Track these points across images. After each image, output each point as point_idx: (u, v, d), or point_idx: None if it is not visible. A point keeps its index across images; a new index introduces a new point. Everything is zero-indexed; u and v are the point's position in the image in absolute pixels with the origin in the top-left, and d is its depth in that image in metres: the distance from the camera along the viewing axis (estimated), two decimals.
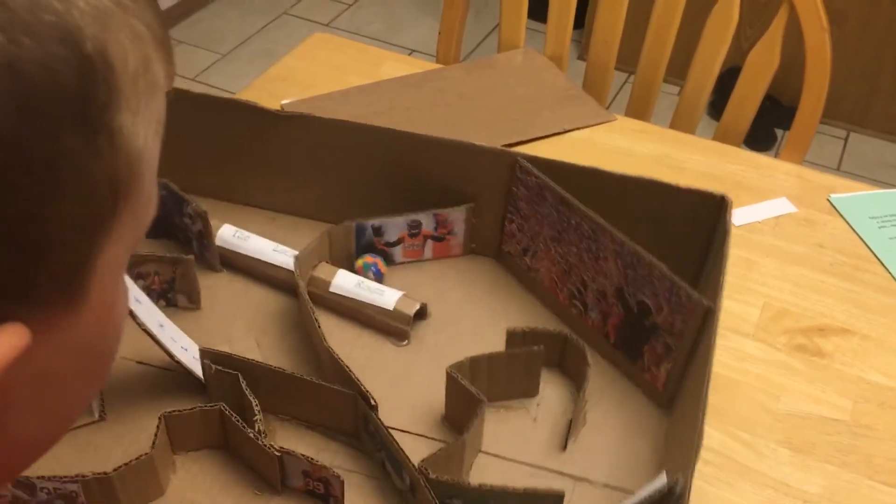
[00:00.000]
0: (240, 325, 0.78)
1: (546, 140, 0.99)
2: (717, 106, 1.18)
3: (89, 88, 0.26)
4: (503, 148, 0.78)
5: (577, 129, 1.01)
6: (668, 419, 0.71)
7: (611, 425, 0.71)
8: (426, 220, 0.82)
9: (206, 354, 0.68)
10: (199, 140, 0.84)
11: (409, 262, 0.84)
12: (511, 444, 0.69)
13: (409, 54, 1.10)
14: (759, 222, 0.89)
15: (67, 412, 0.34)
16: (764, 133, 2.05)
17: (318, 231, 0.81)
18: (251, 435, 0.63)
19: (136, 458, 0.61)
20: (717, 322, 0.63)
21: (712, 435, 0.69)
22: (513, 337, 0.71)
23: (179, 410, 0.65)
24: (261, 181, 0.86)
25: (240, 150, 0.84)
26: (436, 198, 0.82)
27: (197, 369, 0.70)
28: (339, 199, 0.84)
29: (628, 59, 1.26)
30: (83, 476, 0.59)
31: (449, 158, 0.79)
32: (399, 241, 0.83)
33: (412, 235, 0.82)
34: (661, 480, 0.52)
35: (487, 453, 0.68)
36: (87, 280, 0.28)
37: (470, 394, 0.65)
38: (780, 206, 0.90)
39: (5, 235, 0.25)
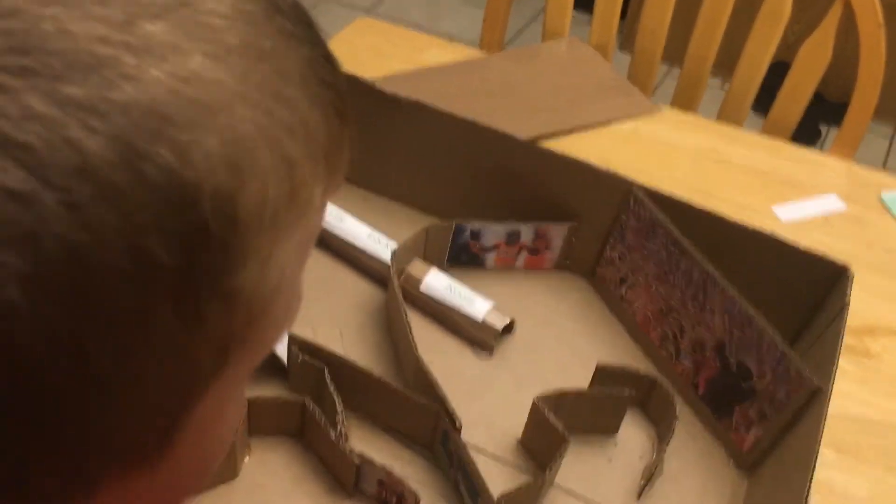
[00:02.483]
0: (324, 310, 0.77)
1: (590, 131, 0.97)
2: (762, 101, 1.15)
3: (195, 260, 0.21)
4: (619, 174, 0.75)
5: (622, 119, 0.98)
6: (749, 482, 0.69)
7: (688, 479, 0.69)
8: (525, 232, 0.80)
9: (293, 341, 0.67)
10: None
11: (499, 270, 0.82)
12: (585, 481, 0.68)
13: (450, 42, 1.08)
14: (808, 219, 0.86)
15: None
16: (808, 129, 1.99)
17: (409, 217, 0.79)
18: (332, 437, 0.62)
19: None
20: (827, 404, 0.60)
21: None
22: (602, 373, 0.70)
23: (262, 397, 0.64)
24: (359, 158, 0.85)
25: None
26: (536, 208, 0.79)
27: (282, 353, 0.69)
28: (435, 190, 0.83)
29: (674, 52, 1.23)
30: None
31: (559, 172, 0.77)
32: (494, 248, 0.81)
33: (509, 244, 0.81)
34: None
35: (560, 487, 0.67)
36: (169, 442, 0.24)
37: (554, 429, 0.64)
38: (830, 203, 0.88)
39: (75, 432, 0.21)
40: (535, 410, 0.66)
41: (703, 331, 0.70)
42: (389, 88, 0.80)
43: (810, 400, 0.62)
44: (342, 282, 0.79)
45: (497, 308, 0.76)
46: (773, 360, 0.64)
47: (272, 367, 0.70)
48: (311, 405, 0.64)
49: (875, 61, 1.03)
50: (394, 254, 0.75)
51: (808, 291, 0.72)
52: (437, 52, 1.08)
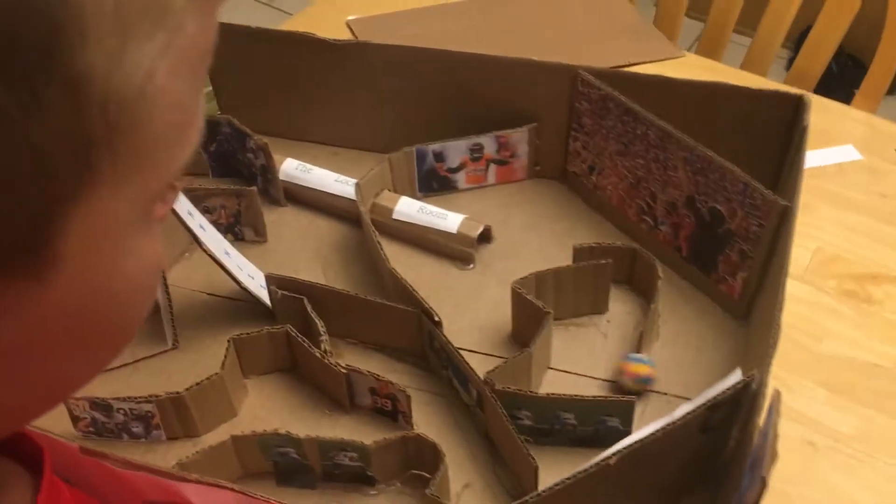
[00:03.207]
0: (305, 256, 0.78)
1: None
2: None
3: (17, 31, 0.20)
4: (564, 63, 0.75)
5: (644, 62, 0.97)
6: (745, 330, 0.68)
7: (685, 339, 0.68)
8: (488, 143, 0.80)
9: (271, 280, 0.68)
10: (256, 76, 0.84)
11: (472, 189, 0.83)
12: (581, 359, 0.67)
13: None
14: (822, 167, 0.85)
15: (64, 380, 0.30)
16: (841, 93, 1.95)
17: (376, 160, 0.80)
18: (318, 354, 0.63)
19: (207, 378, 0.62)
20: (794, 222, 0.59)
21: None
22: (580, 253, 0.69)
23: (247, 333, 0.65)
24: (320, 114, 0.86)
25: (296, 83, 0.84)
26: (498, 120, 0.80)
27: (264, 296, 0.70)
28: (399, 128, 0.83)
29: (701, 8, 1.20)
30: (157, 396, 0.61)
31: (509, 77, 0.77)
32: (461, 167, 0.81)
33: (474, 160, 0.81)
34: (736, 376, 0.49)
35: (557, 369, 0.67)
36: (48, 246, 0.24)
37: (535, 307, 0.64)
38: (846, 152, 0.87)
39: None
40: (515, 295, 0.66)
41: (672, 190, 0.70)
42: (362, 33, 0.81)
43: (781, 222, 0.61)
44: (318, 228, 0.81)
45: (470, 219, 0.76)
46: (739, 194, 0.64)
47: (258, 311, 0.71)
48: (293, 332, 0.65)
49: None
50: (357, 185, 0.76)
51: (773, 133, 0.70)
52: None
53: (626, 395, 0.59)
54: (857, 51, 1.02)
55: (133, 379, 0.67)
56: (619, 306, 0.71)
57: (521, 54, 0.97)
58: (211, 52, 0.26)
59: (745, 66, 1.11)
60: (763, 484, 0.41)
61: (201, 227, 0.67)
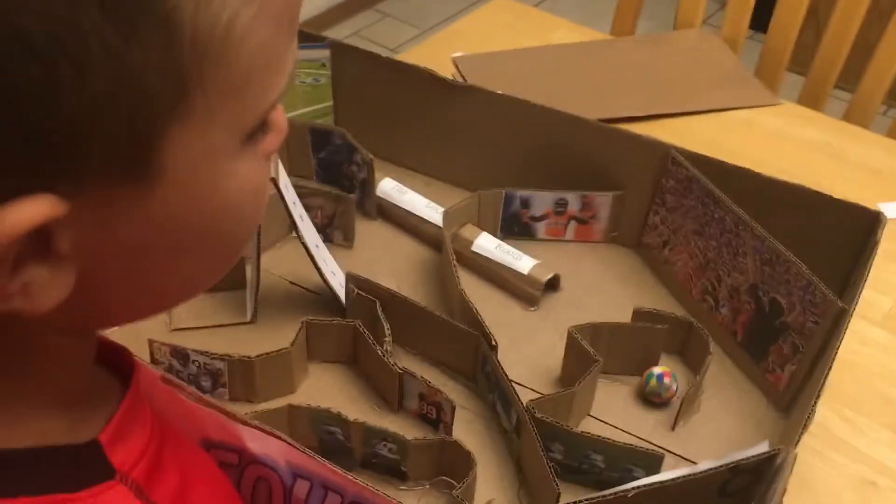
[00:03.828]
0: (385, 268, 0.84)
1: (703, 116, 1.00)
2: None
3: None
4: (656, 139, 0.80)
5: (741, 108, 1.00)
6: (785, 422, 0.70)
7: (724, 417, 0.71)
8: (573, 200, 0.85)
9: (351, 279, 0.74)
10: (373, 99, 0.91)
11: (550, 241, 0.87)
12: (620, 414, 0.70)
13: (580, 25, 1.15)
14: None
15: (177, 284, 0.34)
16: None
17: (465, 195, 0.85)
18: (379, 352, 0.68)
19: (277, 351, 0.67)
20: (847, 324, 0.62)
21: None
22: (639, 315, 0.73)
23: (321, 319, 0.71)
24: (422, 145, 0.93)
25: (407, 112, 0.91)
26: (586, 181, 0.85)
27: (341, 294, 0.76)
28: (492, 170, 0.89)
29: (803, 62, 1.23)
30: (230, 356, 0.67)
31: (603, 142, 0.82)
32: (544, 217, 0.86)
33: (557, 213, 0.86)
34: (763, 447, 0.52)
35: (596, 418, 0.70)
36: (151, 161, 0.28)
37: (587, 354, 0.68)
38: None
39: (24, 123, 0.25)
40: (570, 340, 0.70)
41: (738, 275, 0.73)
42: (469, 74, 0.88)
43: (836, 323, 0.64)
44: (402, 246, 0.86)
45: (542, 265, 0.81)
46: (801, 289, 0.67)
47: (334, 307, 0.77)
48: (361, 327, 0.70)
49: None
50: (445, 213, 0.81)
51: (846, 242, 0.73)
52: (566, 34, 1.14)
53: (656, 450, 0.62)
54: None
55: (210, 340, 0.73)
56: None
57: (620, 98, 1.02)
58: (298, 4, 0.30)
59: (846, 120, 1.11)
60: None
61: (301, 217, 0.74)
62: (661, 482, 0.50)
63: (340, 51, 0.91)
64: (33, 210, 0.26)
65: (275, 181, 0.69)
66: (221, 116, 0.29)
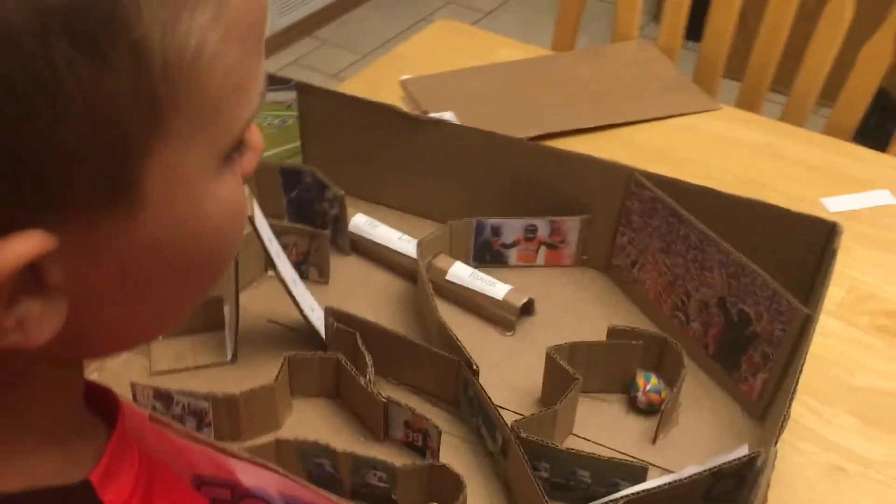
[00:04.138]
0: (361, 302, 0.85)
1: (649, 123, 1.04)
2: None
3: (86, 4, 0.24)
4: (620, 163, 0.83)
5: (683, 114, 1.05)
6: (761, 430, 0.72)
7: (702, 428, 0.72)
8: (542, 226, 0.87)
9: (330, 312, 0.75)
10: (341, 137, 0.93)
11: (522, 266, 0.89)
12: (602, 431, 0.72)
13: (523, 43, 1.20)
14: (857, 211, 0.90)
15: (163, 308, 0.35)
16: (879, 131, 1.96)
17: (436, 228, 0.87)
18: (362, 383, 0.69)
19: (260, 387, 0.68)
20: (813, 330, 0.65)
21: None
22: (613, 333, 0.75)
23: (302, 354, 0.72)
24: (391, 180, 0.94)
25: (375, 148, 0.93)
26: (554, 206, 0.87)
27: (321, 328, 0.77)
28: (462, 200, 0.91)
29: (738, 69, 1.28)
30: (213, 395, 0.67)
31: (568, 169, 0.85)
32: (514, 244, 0.88)
33: (528, 239, 0.88)
34: (742, 451, 0.54)
35: (578, 436, 0.71)
36: (133, 187, 0.28)
37: (566, 373, 0.69)
38: (881, 197, 0.91)
39: (1, 153, 0.25)
40: (549, 360, 0.71)
41: (706, 290, 0.76)
42: (425, 107, 0.90)
43: (803, 329, 0.67)
44: (377, 279, 0.88)
45: (516, 290, 0.82)
46: (767, 299, 0.69)
47: (313, 343, 0.78)
48: (343, 360, 0.71)
49: None
50: (419, 243, 0.83)
51: (806, 253, 0.76)
52: (509, 51, 1.17)
53: (639, 462, 0.63)
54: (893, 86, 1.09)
55: (192, 382, 0.73)
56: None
57: (567, 111, 1.05)
58: (262, 24, 0.31)
59: (782, 121, 1.16)
60: None
61: (277, 253, 0.75)
62: (648, 490, 0.51)
63: (306, 92, 0.92)
64: (25, 246, 0.27)
65: (251, 219, 0.70)
66: (198, 139, 0.29)
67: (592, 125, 1.02)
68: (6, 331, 0.28)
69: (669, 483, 0.52)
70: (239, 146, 0.32)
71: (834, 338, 0.78)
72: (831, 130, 1.15)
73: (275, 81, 0.92)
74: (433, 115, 0.96)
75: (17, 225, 0.26)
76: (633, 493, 0.51)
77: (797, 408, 0.71)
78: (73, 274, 0.29)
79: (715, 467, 0.53)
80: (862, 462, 0.68)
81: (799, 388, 0.71)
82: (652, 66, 1.15)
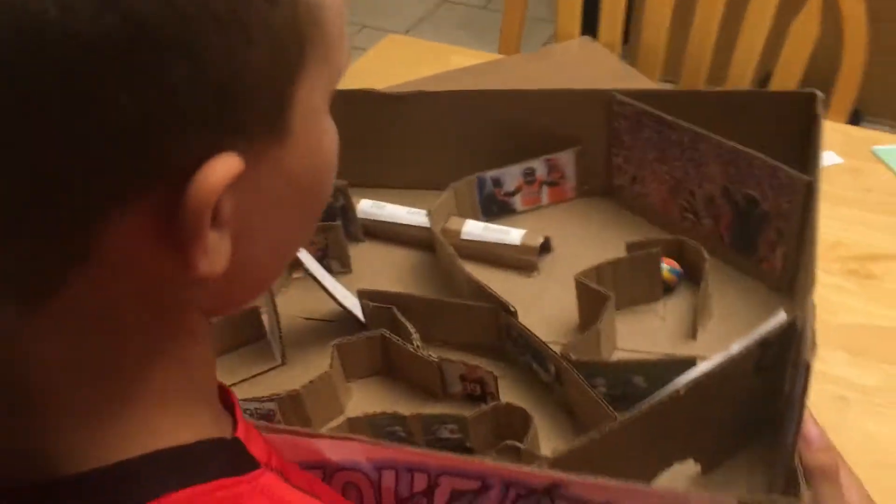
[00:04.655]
0: (385, 281, 0.87)
1: None
2: None
3: None
4: (599, 88, 0.86)
5: None
6: (790, 302, 0.75)
7: (737, 315, 0.76)
8: (539, 167, 0.90)
9: (363, 294, 0.78)
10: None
11: (529, 210, 0.92)
12: (644, 340, 0.75)
13: (472, 49, 1.26)
14: None
15: (289, 241, 0.38)
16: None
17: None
18: (411, 349, 0.72)
19: (319, 377, 0.71)
20: (818, 195, 0.68)
21: None
22: (632, 248, 0.78)
23: (348, 338, 0.75)
24: (387, 161, 0.97)
25: (365, 135, 0.95)
26: (550, 147, 0.90)
27: (358, 313, 0.80)
28: (460, 165, 0.93)
29: (675, 72, 1.34)
30: (278, 395, 0.70)
31: (551, 107, 0.88)
32: (517, 190, 0.91)
33: (528, 183, 0.91)
34: (781, 316, 0.57)
35: (624, 349, 0.75)
36: (287, 115, 0.32)
37: (598, 293, 0.72)
38: (827, 158, 0.99)
39: (212, 84, 0.29)
40: (579, 286, 0.74)
41: (708, 185, 0.79)
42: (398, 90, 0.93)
43: (808, 197, 0.70)
44: (395, 257, 0.90)
45: (531, 232, 0.85)
46: (768, 177, 0.72)
47: (354, 328, 0.81)
48: (388, 333, 0.74)
49: (858, 30, 1.15)
50: (429, 211, 0.86)
51: (793, 128, 0.79)
52: (461, 58, 1.22)
53: (688, 355, 0.66)
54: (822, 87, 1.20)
55: (251, 391, 0.76)
56: (675, 295, 0.79)
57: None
58: None
59: None
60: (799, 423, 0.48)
61: (302, 251, 0.78)
62: (704, 373, 0.55)
63: None
64: (227, 165, 0.30)
65: None
66: (322, 77, 0.33)
67: (585, 88, 1.04)
68: (199, 256, 0.31)
69: (721, 363, 0.55)
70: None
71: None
72: None
73: None
74: None
75: (219, 148, 0.30)
76: (692, 380, 0.54)
77: None
78: (238, 206, 0.32)
79: (760, 338, 0.56)
80: (860, 390, 0.74)
81: None
82: (598, 61, 1.21)
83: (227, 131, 0.30)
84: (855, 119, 2.07)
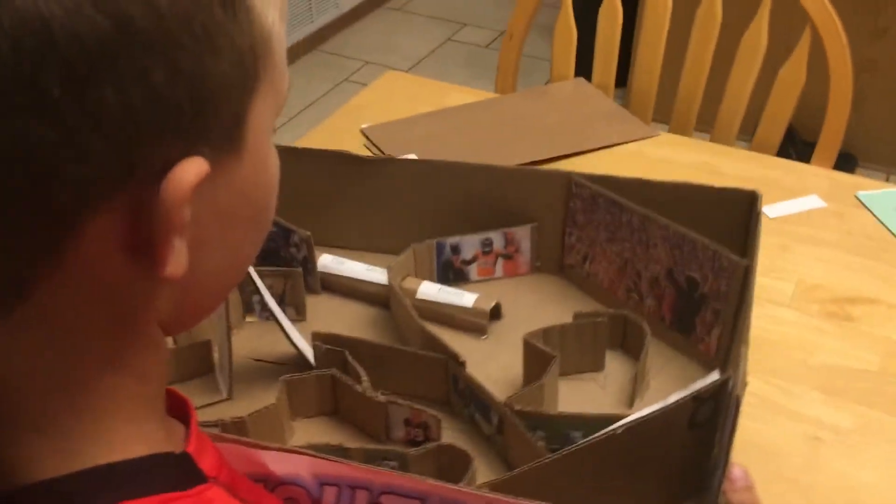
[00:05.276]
0: (339, 331, 0.89)
1: (597, 152, 1.14)
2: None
3: None
4: (559, 170, 0.91)
5: (626, 143, 1.16)
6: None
7: (672, 388, 0.79)
8: (497, 239, 0.94)
9: (316, 337, 0.80)
10: (302, 189, 0.99)
11: (483, 280, 0.96)
12: (584, 405, 0.77)
13: (469, 88, 1.32)
14: (793, 215, 1.01)
15: (240, 256, 0.39)
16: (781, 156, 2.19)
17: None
18: (359, 389, 0.73)
19: (265, 408, 0.72)
20: (754, 279, 0.73)
21: (752, 382, 0.77)
22: (578, 317, 0.82)
23: (298, 375, 0.76)
24: (353, 222, 1.00)
25: (334, 194, 0.99)
26: (507, 222, 0.94)
27: (310, 355, 0.81)
28: (420, 229, 0.97)
29: (665, 112, 1.42)
30: (222, 420, 0.70)
31: (512, 183, 0.93)
32: (474, 259, 0.95)
33: (485, 253, 0.95)
34: (714, 376, 0.61)
35: (565, 413, 0.77)
36: (243, 130, 0.34)
37: (544, 353, 0.75)
38: (811, 202, 1.03)
39: (186, 89, 0.30)
40: (526, 346, 0.78)
41: (654, 266, 0.84)
42: (387, 147, 0.97)
43: (745, 280, 0.75)
44: (351, 310, 0.93)
45: (483, 296, 0.89)
46: (709, 260, 0.78)
47: (303, 369, 0.82)
48: (338, 373, 0.75)
49: (844, 76, 1.22)
50: (389, 268, 0.89)
51: (736, 222, 0.85)
52: (458, 96, 1.27)
53: (624, 413, 0.69)
54: (808, 134, 1.26)
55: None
56: (615, 365, 0.83)
57: (519, 145, 1.14)
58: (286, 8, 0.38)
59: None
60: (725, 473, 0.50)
61: (264, 291, 0.80)
62: (641, 417, 0.57)
63: None
64: (197, 166, 0.32)
65: None
66: (269, 99, 0.36)
67: (543, 157, 1.11)
68: (168, 255, 0.32)
69: (658, 410, 0.58)
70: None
71: (790, 325, 0.87)
72: (757, 148, 1.29)
73: None
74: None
75: (187, 153, 0.32)
76: (627, 422, 0.57)
77: (766, 388, 0.80)
78: (196, 214, 0.33)
79: (693, 392, 0.59)
80: (833, 430, 0.76)
81: (766, 371, 0.81)
82: (591, 101, 1.27)
83: (196, 136, 0.32)
84: (850, 165, 2.17)
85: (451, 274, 0.95)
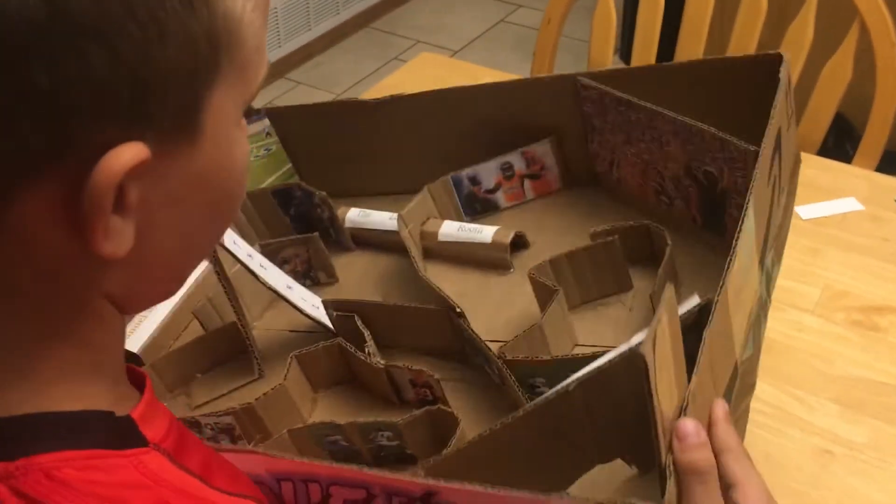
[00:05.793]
0: (370, 289, 0.87)
1: None
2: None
3: None
4: (563, 74, 0.82)
5: None
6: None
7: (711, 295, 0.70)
8: (516, 160, 0.87)
9: (327, 304, 0.78)
10: (321, 144, 0.97)
11: (514, 206, 0.90)
12: (607, 333, 0.71)
13: (503, 72, 1.25)
14: (828, 217, 0.97)
15: (197, 240, 0.40)
16: (837, 151, 1.96)
17: None
18: (362, 357, 0.72)
19: (272, 389, 0.72)
20: (767, 166, 0.62)
21: (766, 390, 0.77)
22: (595, 236, 0.74)
23: (307, 348, 0.75)
24: (376, 167, 0.97)
25: (351, 145, 0.96)
26: (529, 139, 0.87)
27: (328, 322, 0.80)
28: (440, 165, 0.92)
29: None
30: (234, 408, 0.71)
31: (517, 98, 0.85)
32: (497, 187, 0.89)
33: (507, 178, 0.88)
34: (694, 300, 0.53)
35: (584, 345, 0.71)
36: (200, 117, 0.34)
37: (547, 287, 0.69)
38: (848, 204, 0.98)
39: (126, 74, 0.31)
40: (532, 282, 0.72)
41: (672, 164, 0.74)
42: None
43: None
44: (381, 264, 0.90)
45: (502, 228, 0.83)
46: (720, 152, 0.67)
47: (328, 336, 0.81)
48: (344, 343, 0.74)
49: (891, 75, 1.13)
50: (399, 216, 0.85)
51: (760, 94, 0.73)
52: (492, 80, 1.20)
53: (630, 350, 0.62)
54: (850, 115, 1.14)
55: (225, 403, 0.78)
56: (645, 281, 0.75)
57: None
58: (269, 2, 0.38)
59: None
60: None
61: (262, 265, 0.79)
62: (598, 367, 0.51)
63: (277, 115, 0.97)
64: (134, 150, 0.32)
65: (217, 248, 0.75)
66: (235, 87, 0.36)
67: (547, 75, 1.02)
68: (99, 237, 0.33)
69: (615, 356, 0.51)
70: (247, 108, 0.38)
71: (813, 333, 0.82)
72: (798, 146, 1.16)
73: (246, 114, 0.97)
74: None
75: (126, 138, 0.32)
76: (581, 376, 0.51)
77: (781, 396, 0.77)
78: (145, 196, 0.34)
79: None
80: (847, 445, 0.71)
81: (783, 378, 0.79)
82: None
83: (138, 121, 0.32)
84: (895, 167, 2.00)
85: (479, 206, 0.90)
